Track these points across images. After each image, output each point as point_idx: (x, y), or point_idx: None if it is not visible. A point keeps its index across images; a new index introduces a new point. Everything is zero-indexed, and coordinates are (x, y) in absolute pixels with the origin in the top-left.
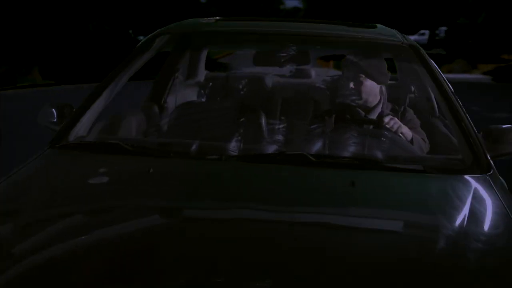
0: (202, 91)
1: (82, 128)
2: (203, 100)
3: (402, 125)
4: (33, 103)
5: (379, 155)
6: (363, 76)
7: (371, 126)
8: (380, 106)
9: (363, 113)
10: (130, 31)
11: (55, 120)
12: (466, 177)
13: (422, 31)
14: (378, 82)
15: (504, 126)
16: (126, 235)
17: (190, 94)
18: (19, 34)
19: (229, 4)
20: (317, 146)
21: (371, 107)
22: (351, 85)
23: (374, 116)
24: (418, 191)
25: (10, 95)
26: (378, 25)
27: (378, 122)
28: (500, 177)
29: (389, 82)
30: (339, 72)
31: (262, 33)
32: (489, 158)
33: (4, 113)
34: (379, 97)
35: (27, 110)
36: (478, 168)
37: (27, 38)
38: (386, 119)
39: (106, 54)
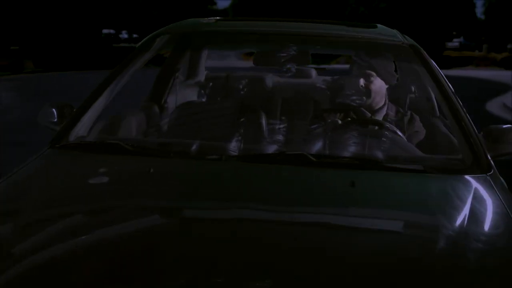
0: (202, 91)
1: (82, 128)
2: (203, 100)
3: None
4: (39, 80)
5: (379, 155)
6: (374, 75)
7: (376, 127)
8: (385, 108)
9: (369, 114)
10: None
11: (55, 120)
12: (466, 177)
13: None
14: (387, 82)
15: (504, 126)
16: (126, 235)
17: (190, 94)
18: (18, 36)
19: (167, 6)
20: (317, 146)
21: (377, 108)
22: (361, 82)
23: (379, 118)
24: (418, 191)
25: (20, 77)
26: (379, 25)
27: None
28: (501, 177)
29: None
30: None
31: (262, 33)
32: (489, 158)
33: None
34: (384, 99)
35: (37, 83)
36: (478, 168)
37: (23, 39)
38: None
39: (80, 49)
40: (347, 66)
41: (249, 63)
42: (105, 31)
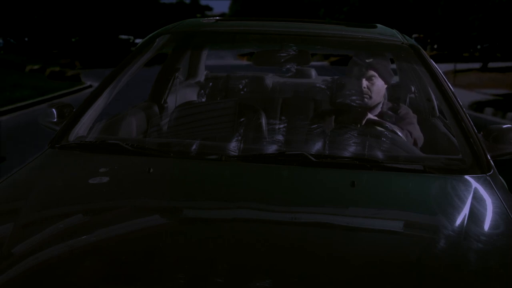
0: (202, 91)
1: (82, 128)
2: (203, 100)
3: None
4: (90, 73)
5: (379, 155)
6: (376, 75)
7: (376, 127)
8: (380, 105)
9: (365, 113)
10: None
11: (55, 120)
12: (466, 177)
13: None
14: (386, 82)
15: (504, 126)
16: (126, 235)
17: (190, 94)
18: (57, 42)
19: (172, 15)
20: (317, 146)
21: (372, 106)
22: (364, 84)
23: (375, 113)
24: (418, 191)
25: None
26: (378, 25)
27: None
28: (500, 177)
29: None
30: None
31: (262, 33)
32: (489, 158)
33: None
34: (382, 100)
35: (93, 74)
36: (478, 168)
37: (62, 44)
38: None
39: (108, 52)
40: (320, 63)
41: (243, 62)
42: (124, 37)
